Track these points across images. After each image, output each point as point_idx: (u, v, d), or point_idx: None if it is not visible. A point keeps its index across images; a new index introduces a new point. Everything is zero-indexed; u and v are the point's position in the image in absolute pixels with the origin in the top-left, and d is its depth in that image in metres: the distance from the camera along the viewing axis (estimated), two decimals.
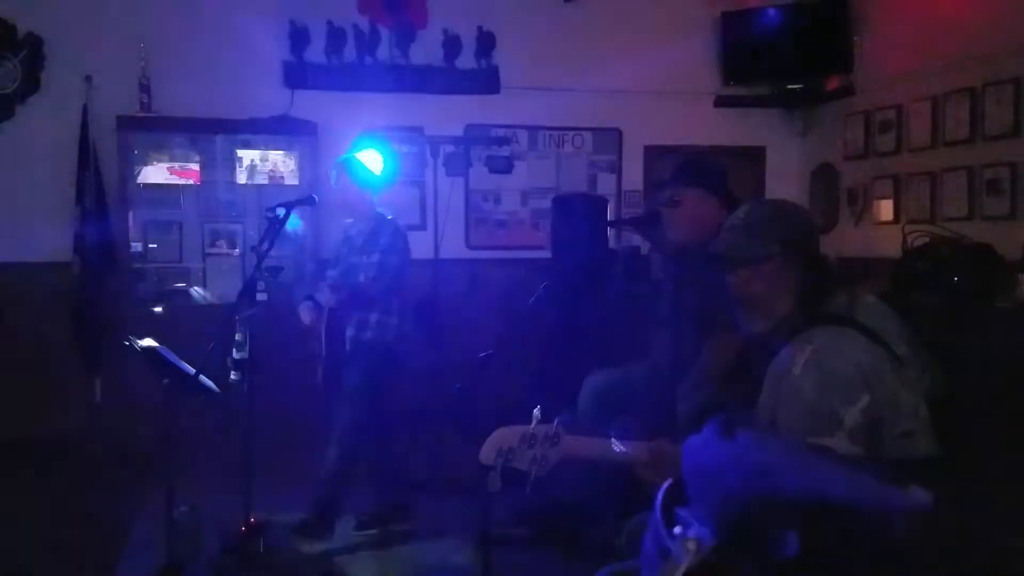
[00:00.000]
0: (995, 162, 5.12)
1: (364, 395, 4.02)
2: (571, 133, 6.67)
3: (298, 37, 6.11)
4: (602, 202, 6.08)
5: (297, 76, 6.12)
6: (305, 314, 4.10)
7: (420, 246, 5.64)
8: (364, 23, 6.23)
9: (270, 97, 6.03)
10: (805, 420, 1.77)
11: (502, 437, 2.04)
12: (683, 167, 3.39)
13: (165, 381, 3.35)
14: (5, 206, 5.69)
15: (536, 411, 2.06)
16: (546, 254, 6.08)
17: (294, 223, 4.32)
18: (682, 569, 1.06)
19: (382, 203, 4.39)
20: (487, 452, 2.03)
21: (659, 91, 6.62)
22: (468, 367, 3.14)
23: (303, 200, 3.89)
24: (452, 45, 6.36)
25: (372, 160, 5.07)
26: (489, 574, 2.81)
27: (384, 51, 6.28)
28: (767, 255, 2.00)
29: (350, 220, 4.36)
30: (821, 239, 2.15)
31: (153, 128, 5.79)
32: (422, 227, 6.20)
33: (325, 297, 4.05)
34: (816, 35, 6.42)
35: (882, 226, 5.99)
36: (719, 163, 3.77)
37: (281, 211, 3.56)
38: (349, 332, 4.07)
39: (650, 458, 1.97)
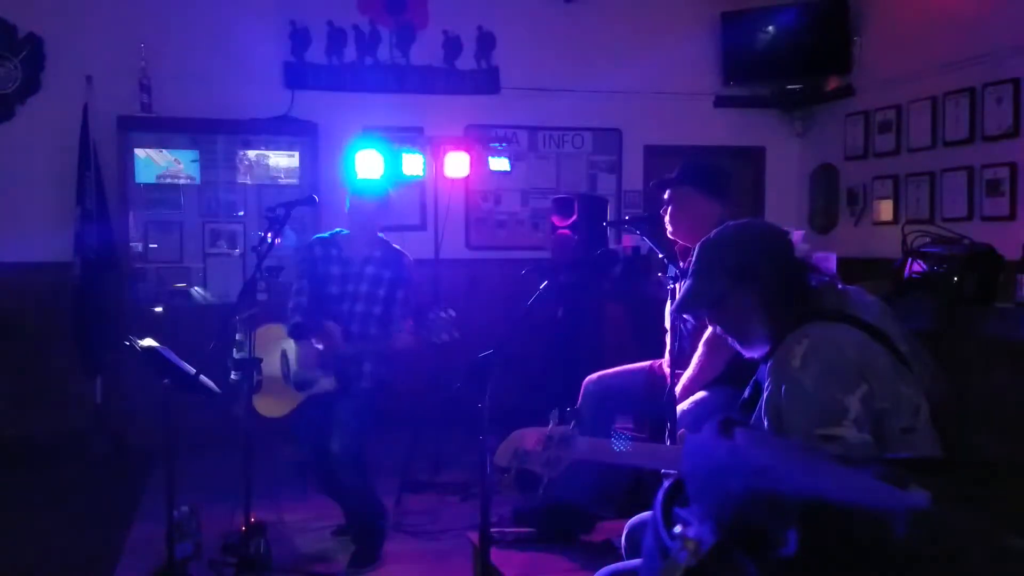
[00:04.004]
0: (995, 162, 5.12)
1: (372, 425, 3.85)
2: (571, 133, 6.68)
3: (298, 37, 6.12)
4: (602, 202, 6.08)
5: (297, 76, 6.12)
6: (322, 341, 3.78)
7: (420, 246, 5.66)
8: (364, 23, 6.24)
9: (270, 97, 6.03)
10: (810, 412, 1.77)
11: (519, 439, 2.04)
12: (681, 167, 3.40)
13: (165, 381, 3.35)
14: (5, 206, 5.69)
15: (553, 413, 2.06)
16: (546, 254, 6.08)
17: (288, 238, 3.97)
18: (682, 569, 1.06)
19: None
20: (502, 454, 2.03)
21: (659, 91, 6.63)
22: (468, 367, 3.14)
23: (303, 200, 3.87)
24: (452, 45, 6.37)
25: (370, 162, 5.08)
26: (489, 574, 2.81)
27: (384, 51, 6.28)
28: (720, 293, 1.99)
29: (328, 234, 4.04)
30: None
31: (153, 128, 5.79)
32: (422, 227, 6.21)
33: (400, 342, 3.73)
34: (816, 35, 6.42)
35: (882, 226, 5.99)
36: (720, 164, 3.77)
37: (281, 211, 3.55)
38: (366, 367, 3.82)
39: None
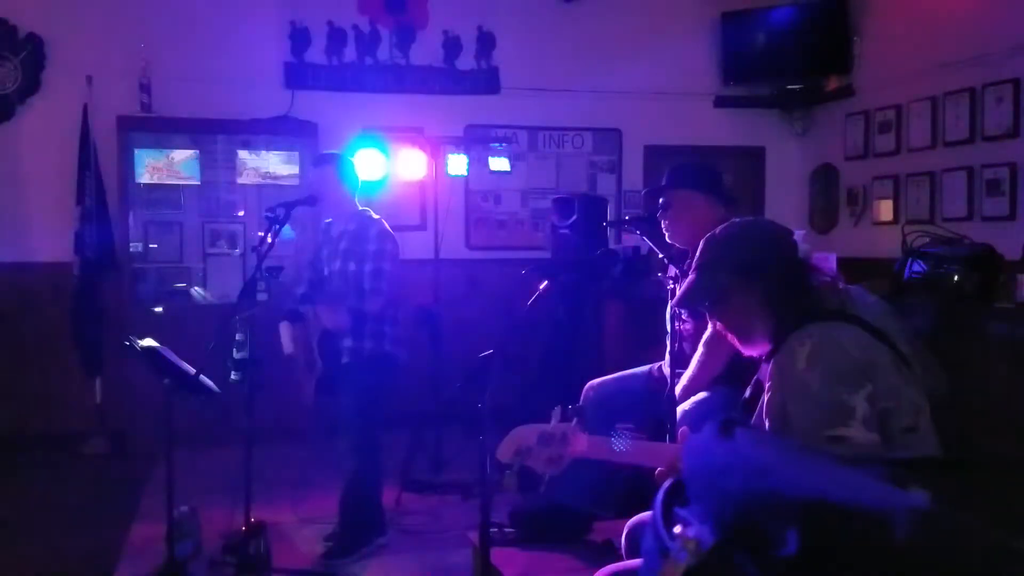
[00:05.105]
0: (995, 162, 5.12)
1: (372, 407, 3.82)
2: (571, 133, 6.68)
3: (298, 38, 6.12)
4: (602, 202, 6.08)
5: (297, 76, 6.13)
6: (287, 340, 3.82)
7: (420, 246, 5.67)
8: (364, 23, 6.24)
9: (271, 97, 6.03)
10: (817, 414, 1.77)
11: (520, 436, 2.03)
12: (670, 172, 3.40)
13: (165, 381, 3.35)
14: (5, 206, 5.69)
15: (556, 410, 2.05)
16: (546, 254, 6.08)
17: (287, 233, 3.98)
18: (682, 569, 1.06)
19: (377, 203, 4.23)
20: (505, 450, 2.03)
21: (659, 91, 6.63)
22: (468, 367, 3.15)
23: (303, 200, 3.87)
24: (452, 45, 6.37)
25: (371, 162, 5.07)
26: (489, 574, 2.81)
27: (384, 51, 6.28)
28: (724, 289, 1.99)
29: (329, 219, 4.05)
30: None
31: (153, 128, 5.79)
32: (422, 227, 6.21)
33: (331, 320, 3.76)
34: (816, 35, 6.42)
35: (882, 226, 5.99)
36: (708, 163, 3.77)
37: (281, 211, 3.55)
38: (347, 343, 3.80)
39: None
